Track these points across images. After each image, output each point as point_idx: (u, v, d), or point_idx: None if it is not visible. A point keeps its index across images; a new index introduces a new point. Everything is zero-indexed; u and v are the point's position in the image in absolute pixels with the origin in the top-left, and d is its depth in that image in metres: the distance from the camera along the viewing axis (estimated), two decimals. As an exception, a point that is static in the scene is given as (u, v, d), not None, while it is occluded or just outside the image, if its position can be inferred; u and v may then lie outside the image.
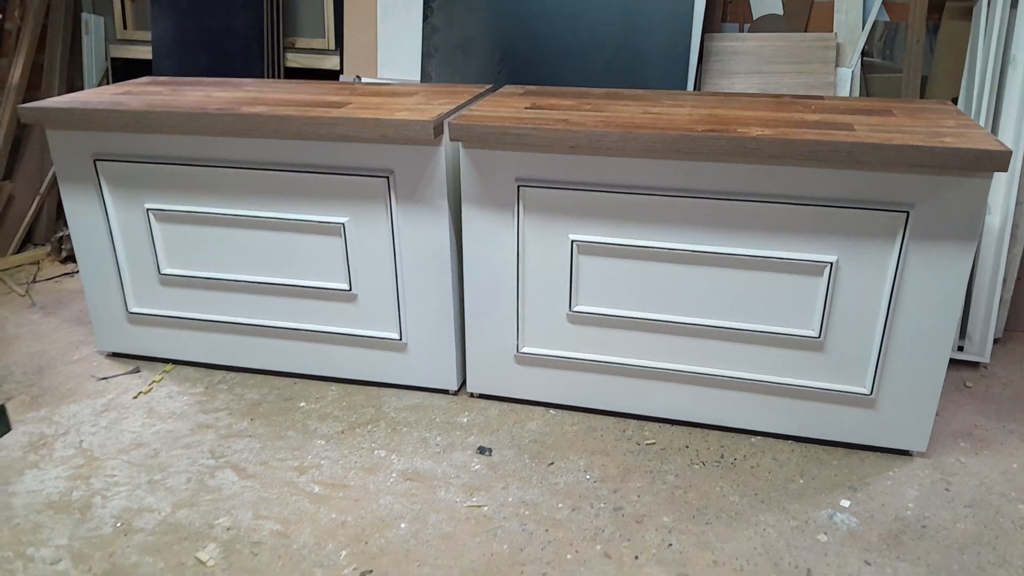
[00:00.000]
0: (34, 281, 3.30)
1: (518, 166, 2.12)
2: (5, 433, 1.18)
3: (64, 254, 3.48)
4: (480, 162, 2.13)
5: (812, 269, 2.02)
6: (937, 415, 2.33)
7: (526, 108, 2.23)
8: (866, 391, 2.11)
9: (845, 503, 1.98)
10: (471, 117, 2.11)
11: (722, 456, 2.16)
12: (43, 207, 3.60)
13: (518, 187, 2.13)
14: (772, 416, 2.21)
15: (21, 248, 3.55)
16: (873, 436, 2.16)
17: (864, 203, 1.94)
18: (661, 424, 2.29)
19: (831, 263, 2.00)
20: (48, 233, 3.63)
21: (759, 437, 2.24)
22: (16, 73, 3.53)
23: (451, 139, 2.10)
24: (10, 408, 2.39)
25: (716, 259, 2.07)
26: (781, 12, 2.98)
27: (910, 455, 2.17)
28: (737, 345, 2.15)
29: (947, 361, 2.05)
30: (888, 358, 2.07)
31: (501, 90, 2.52)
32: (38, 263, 3.47)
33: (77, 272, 3.39)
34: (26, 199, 3.57)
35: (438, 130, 2.10)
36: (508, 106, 2.25)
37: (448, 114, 2.18)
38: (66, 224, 3.62)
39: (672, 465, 2.12)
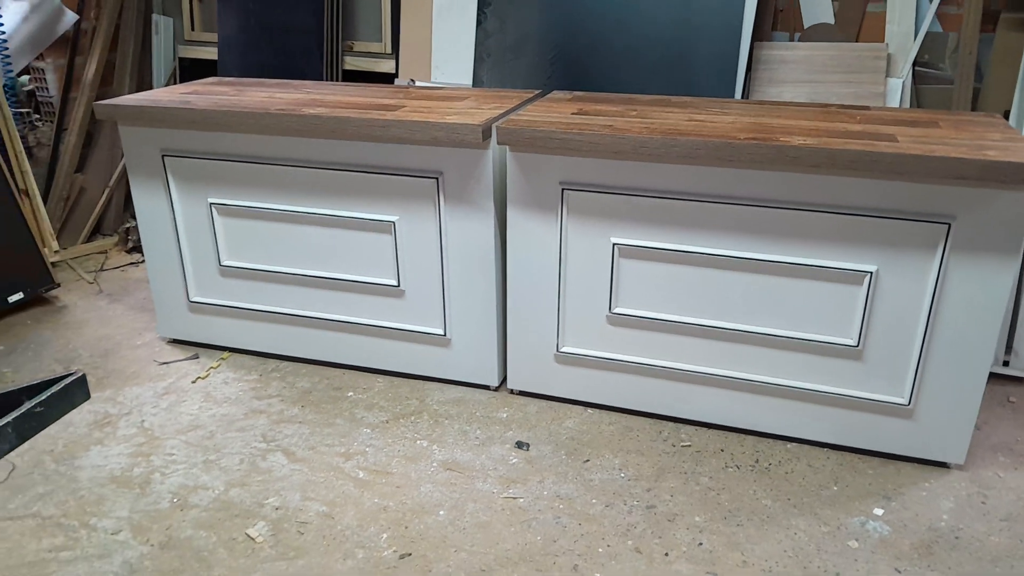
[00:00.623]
0: (102, 269, 3.48)
1: (563, 170, 2.18)
2: (84, 401, 1.30)
3: (130, 244, 3.66)
4: (526, 165, 2.20)
5: (852, 278, 2.04)
6: (978, 429, 2.32)
7: (573, 114, 2.29)
8: (904, 401, 2.11)
9: (878, 511, 2.00)
10: (519, 122, 2.18)
11: (757, 460, 2.19)
12: (112, 199, 3.79)
13: (562, 190, 2.19)
14: (808, 423, 2.23)
15: (91, 238, 3.74)
16: (910, 447, 2.17)
17: (905, 214, 1.95)
18: (697, 427, 2.33)
19: (871, 272, 2.01)
20: (116, 224, 3.81)
21: (795, 443, 2.26)
22: (91, 70, 3.72)
23: (498, 143, 2.17)
24: (78, 387, 2.55)
25: (756, 265, 2.11)
26: (832, 21, 2.99)
27: (947, 467, 2.17)
28: (775, 351, 2.18)
29: (987, 374, 2.05)
30: (927, 369, 2.07)
31: (550, 95, 2.58)
32: (106, 252, 3.66)
33: (142, 262, 3.56)
34: (96, 191, 3.76)
35: (486, 134, 2.18)
36: (555, 111, 2.31)
37: (497, 118, 2.25)
38: (133, 216, 3.80)
39: (706, 467, 2.16)
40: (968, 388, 2.07)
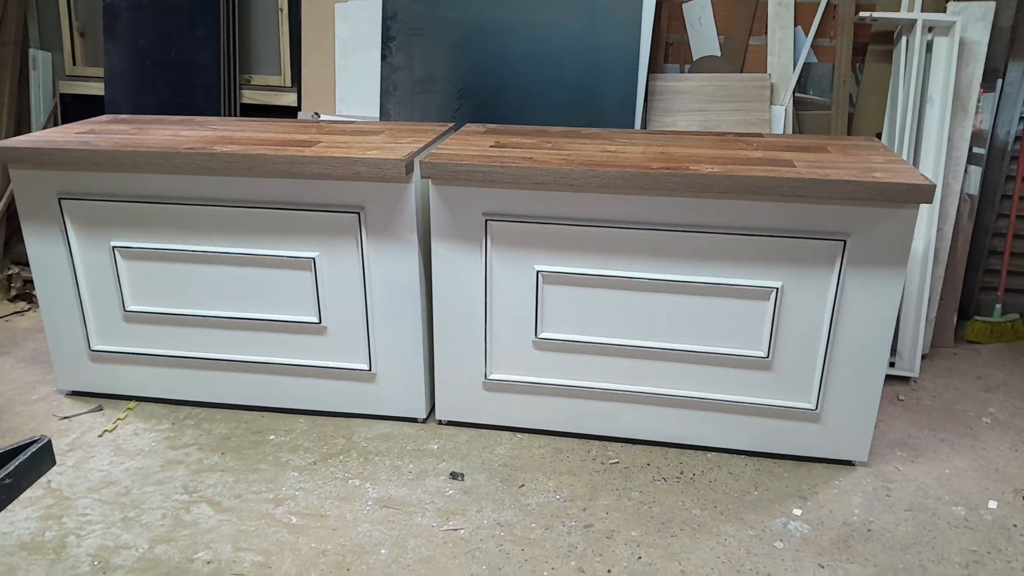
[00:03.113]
0: (-17, 320, 3.24)
1: (485, 201, 2.23)
2: (51, 467, 1.21)
3: (14, 292, 3.42)
4: (449, 198, 2.24)
5: (760, 294, 2.18)
6: (875, 427, 2.51)
7: (491, 146, 2.34)
8: (811, 406, 2.27)
9: (797, 511, 2.13)
10: (440, 155, 2.21)
11: (682, 472, 2.29)
12: (-11, 244, 3.54)
13: (485, 221, 2.24)
14: (727, 432, 2.35)
15: (-33, 287, 3.47)
16: (819, 448, 2.32)
17: (805, 233, 2.11)
18: (624, 444, 2.41)
19: (777, 288, 2.16)
20: (-5, 271, 3.56)
21: (715, 453, 2.38)
22: (-39, 109, 3.47)
23: (422, 176, 2.19)
24: (-30, 450, 2.36)
25: (672, 286, 2.21)
26: (719, 54, 3.19)
27: (853, 465, 2.34)
28: (693, 366, 2.29)
29: (883, 376, 2.23)
30: (831, 375, 2.24)
31: (464, 128, 2.63)
32: (-14, 302, 3.41)
33: (28, 310, 3.34)
34: (-29, 237, 3.50)
35: (409, 168, 2.20)
36: (473, 144, 2.36)
37: (417, 152, 2.28)
38: (14, 261, 3.56)
39: (636, 482, 2.23)
40: (867, 391, 2.24)
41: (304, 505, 2.13)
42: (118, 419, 2.54)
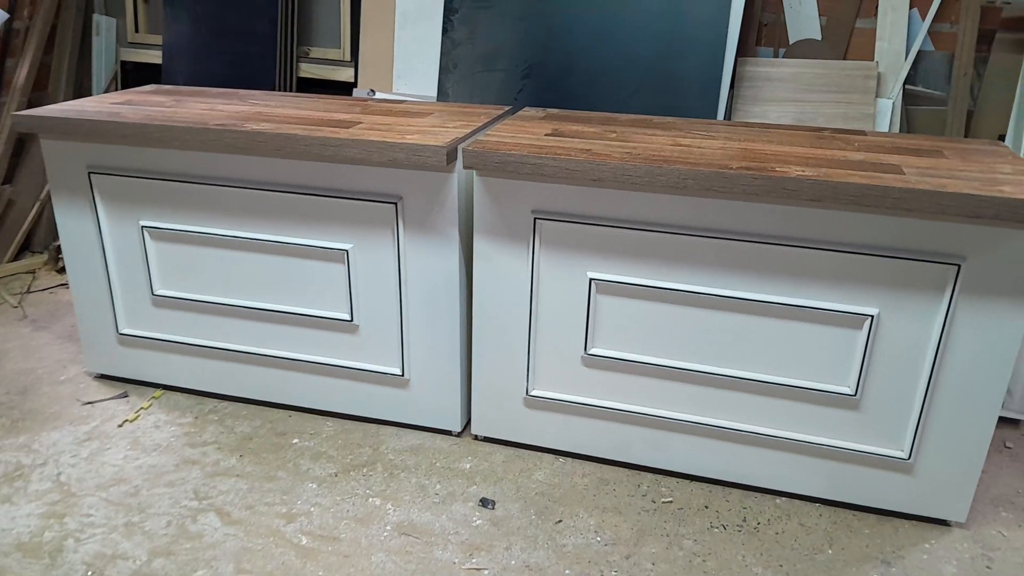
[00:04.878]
0: (28, 291, 3.18)
1: (535, 197, 1.97)
2: None
3: (61, 263, 3.36)
4: (495, 191, 1.99)
5: (851, 322, 1.86)
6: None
7: (547, 134, 2.08)
8: (903, 455, 1.94)
9: (879, 580, 1.82)
10: (487, 144, 1.96)
11: (744, 519, 1.99)
12: (43, 213, 3.49)
13: (534, 219, 1.98)
14: (799, 476, 2.04)
15: (18, 255, 3.43)
16: (909, 503, 1.99)
17: (911, 253, 1.78)
18: (679, 479, 2.13)
19: (872, 316, 1.83)
20: (47, 240, 3.51)
21: (784, 498, 2.07)
22: (22, 73, 3.42)
23: (464, 166, 1.95)
24: (-11, 432, 2.27)
25: (746, 306, 1.91)
26: (819, 37, 2.82)
27: (948, 525, 2.00)
28: (764, 399, 1.99)
29: (994, 426, 1.88)
30: (929, 420, 1.90)
31: (521, 112, 2.37)
32: (34, 272, 3.35)
33: (74, 283, 3.27)
34: (26, 204, 3.46)
35: (451, 156, 1.96)
36: (527, 131, 2.10)
37: (463, 139, 2.03)
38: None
39: (690, 528, 1.95)
40: (973, 441, 1.89)
41: (318, 524, 1.94)
42: (141, 408, 2.41)
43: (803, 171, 1.78)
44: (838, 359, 1.90)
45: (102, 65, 3.63)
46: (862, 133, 2.22)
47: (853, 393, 1.91)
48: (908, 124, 2.77)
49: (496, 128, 2.15)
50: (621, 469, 2.16)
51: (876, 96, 2.72)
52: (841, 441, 1.97)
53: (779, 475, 2.05)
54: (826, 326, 1.88)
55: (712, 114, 2.70)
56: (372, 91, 3.10)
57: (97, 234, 2.34)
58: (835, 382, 1.92)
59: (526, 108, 2.44)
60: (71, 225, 2.36)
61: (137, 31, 3.61)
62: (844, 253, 1.81)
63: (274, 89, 3.20)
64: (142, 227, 2.29)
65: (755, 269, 1.88)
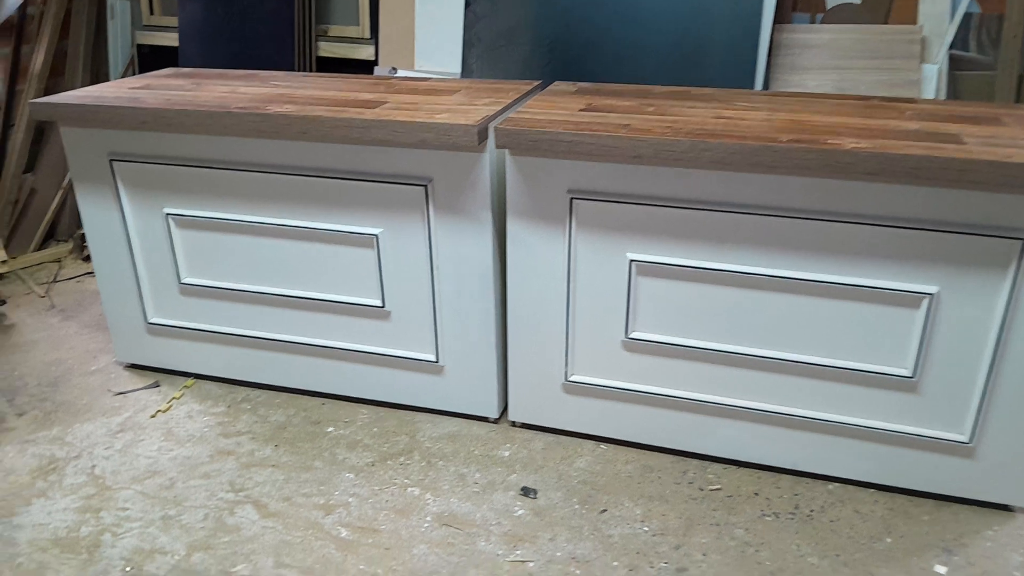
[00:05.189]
0: (55, 280, 3.16)
1: (571, 176, 1.89)
2: None
3: (86, 252, 3.33)
4: (529, 171, 1.91)
5: (908, 301, 1.77)
6: (1038, 461, 2.07)
7: (581, 110, 1.99)
8: (964, 439, 1.85)
9: (940, 569, 1.74)
10: (519, 121, 1.88)
11: (797, 506, 1.92)
12: (66, 201, 3.45)
13: (571, 199, 1.90)
14: (853, 461, 1.96)
15: (43, 244, 3.40)
16: (970, 488, 1.91)
17: (972, 228, 1.68)
18: (726, 466, 2.06)
19: (931, 295, 1.74)
20: (71, 228, 3.48)
21: (837, 484, 2.00)
22: (39, 60, 3.36)
23: (497, 146, 1.87)
24: (21, 426, 2.24)
25: (795, 286, 1.83)
26: (858, 1, 2.69)
27: (1011, 511, 1.92)
28: (816, 382, 1.91)
29: (1060, 406, 1.79)
30: (992, 402, 1.81)
31: (551, 87, 2.28)
32: (60, 261, 3.33)
33: (99, 271, 3.24)
34: (49, 192, 3.42)
35: (482, 135, 1.88)
36: (560, 107, 2.02)
37: (493, 116, 1.95)
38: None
39: (741, 517, 1.89)
40: (1038, 423, 1.81)
41: (357, 515, 1.90)
42: (173, 398, 2.37)
43: (857, 143, 1.69)
44: (895, 340, 1.81)
45: (118, 49, 3.57)
46: (912, 101, 2.11)
47: (911, 375, 1.82)
48: (954, 91, 2.65)
49: (527, 105, 2.06)
50: (665, 455, 2.10)
51: (920, 62, 2.60)
52: (898, 425, 1.89)
53: (831, 460, 1.98)
54: (882, 305, 1.79)
55: (749, 84, 2.60)
56: (394, 69, 3.02)
57: (121, 223, 2.29)
58: (892, 364, 1.83)
59: (556, 83, 2.35)
60: (95, 214, 2.31)
61: (152, 13, 3.54)
62: (900, 229, 1.72)
63: (294, 69, 3.13)
64: (167, 214, 2.24)
65: (804, 247, 1.79)
